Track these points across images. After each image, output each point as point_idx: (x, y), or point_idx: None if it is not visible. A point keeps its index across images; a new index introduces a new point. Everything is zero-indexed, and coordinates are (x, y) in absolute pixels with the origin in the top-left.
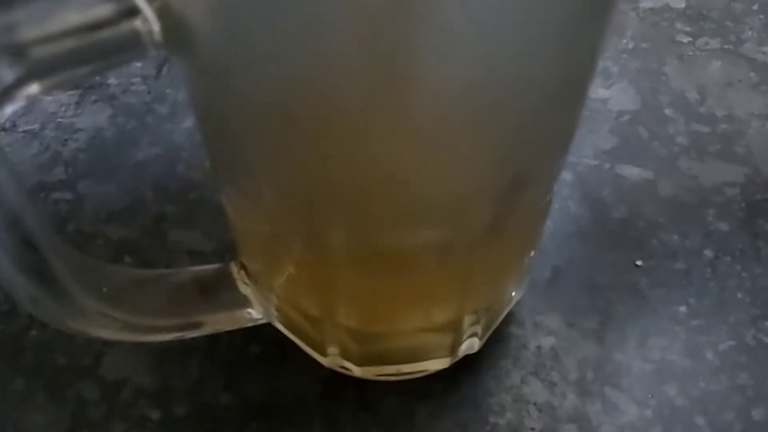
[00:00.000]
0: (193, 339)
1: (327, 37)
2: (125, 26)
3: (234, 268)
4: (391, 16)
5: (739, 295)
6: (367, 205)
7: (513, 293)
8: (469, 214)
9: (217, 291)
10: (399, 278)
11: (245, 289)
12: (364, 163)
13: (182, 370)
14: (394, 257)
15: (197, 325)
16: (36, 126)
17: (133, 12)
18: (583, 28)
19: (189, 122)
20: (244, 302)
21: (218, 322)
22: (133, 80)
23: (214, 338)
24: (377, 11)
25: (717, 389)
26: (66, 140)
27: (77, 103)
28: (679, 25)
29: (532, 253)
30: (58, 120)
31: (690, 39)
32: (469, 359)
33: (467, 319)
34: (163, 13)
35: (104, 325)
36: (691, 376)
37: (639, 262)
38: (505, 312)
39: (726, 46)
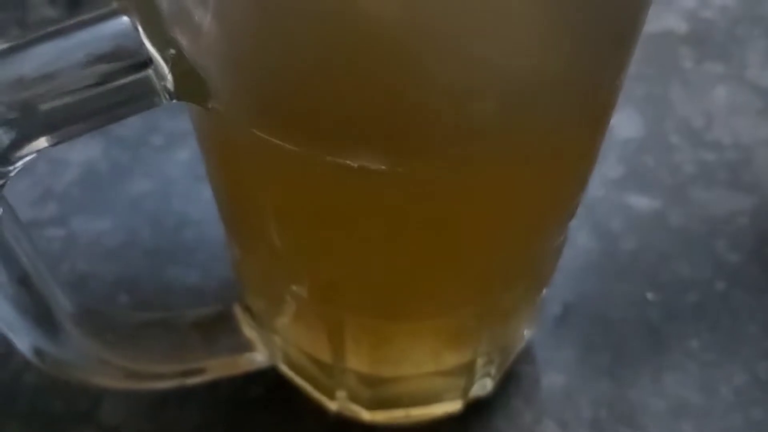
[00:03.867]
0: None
1: (342, 88)
2: (138, 77)
3: (237, 310)
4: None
5: (752, 329)
6: (385, 263)
7: (526, 331)
8: (487, 269)
9: (220, 335)
10: (412, 322)
11: (250, 332)
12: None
13: (182, 415)
14: (408, 302)
15: (200, 371)
16: None
17: (146, 63)
18: (605, 61)
19: (184, 154)
20: (248, 346)
21: (222, 367)
22: None
23: (215, 381)
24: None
25: (732, 426)
26: (59, 175)
27: None
28: (682, 50)
29: (545, 291)
30: (50, 153)
31: (693, 64)
32: (479, 399)
33: (480, 361)
34: (176, 63)
35: (106, 373)
36: (707, 413)
37: (650, 295)
38: (518, 350)
39: (730, 71)
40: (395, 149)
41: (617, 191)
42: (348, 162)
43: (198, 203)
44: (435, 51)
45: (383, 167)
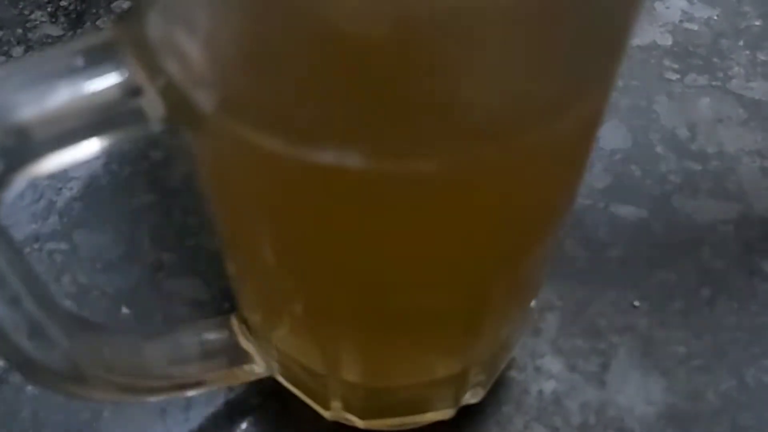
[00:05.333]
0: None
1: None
2: (129, 104)
3: (234, 322)
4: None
5: (738, 334)
6: (377, 280)
7: (516, 339)
8: (478, 280)
9: (218, 348)
10: (405, 335)
11: (247, 344)
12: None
13: (183, 424)
14: (400, 316)
15: (198, 384)
16: None
17: (137, 91)
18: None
19: (183, 169)
20: (245, 358)
21: (219, 379)
22: None
23: (213, 391)
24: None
25: (720, 431)
26: (60, 189)
27: None
28: (666, 62)
29: (535, 300)
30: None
31: (678, 76)
32: (471, 405)
33: (472, 370)
34: (166, 91)
35: (103, 388)
36: (694, 418)
37: (637, 303)
38: (509, 358)
39: (714, 83)
40: (388, 152)
41: (604, 200)
42: (344, 165)
43: (198, 215)
44: (421, 69)
45: (375, 171)
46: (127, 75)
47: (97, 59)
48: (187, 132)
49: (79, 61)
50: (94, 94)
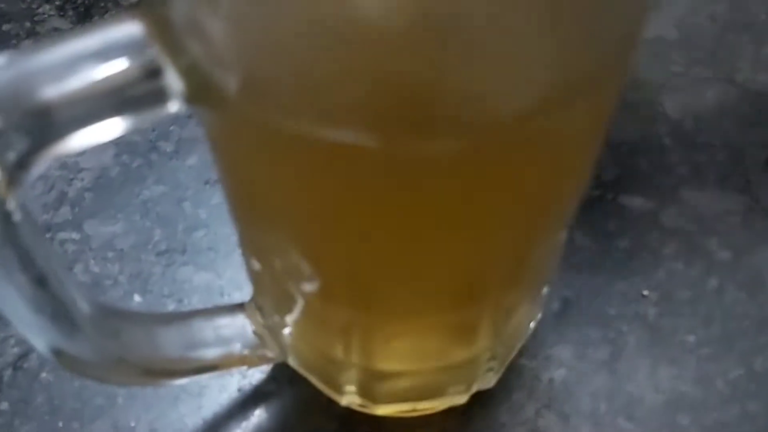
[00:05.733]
0: (207, 377)
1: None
2: (149, 85)
3: (249, 308)
4: None
5: (746, 323)
6: (394, 263)
7: (528, 326)
8: (492, 265)
9: (232, 333)
10: (419, 321)
11: (261, 329)
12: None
13: (196, 411)
14: (416, 300)
15: (213, 367)
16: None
17: (159, 71)
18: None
19: (193, 159)
20: (259, 343)
21: (233, 362)
22: None
23: (226, 377)
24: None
25: (729, 418)
26: (71, 180)
27: None
28: (673, 56)
29: (547, 287)
30: (63, 159)
31: (684, 69)
32: (482, 393)
33: (485, 356)
34: (189, 71)
35: (124, 371)
36: (703, 406)
37: (645, 292)
38: (520, 345)
39: (719, 76)
40: (409, 133)
41: (612, 192)
42: (362, 143)
43: (208, 206)
44: (442, 54)
45: (395, 153)
46: (148, 56)
47: (118, 40)
48: (206, 113)
49: (101, 42)
50: (115, 75)
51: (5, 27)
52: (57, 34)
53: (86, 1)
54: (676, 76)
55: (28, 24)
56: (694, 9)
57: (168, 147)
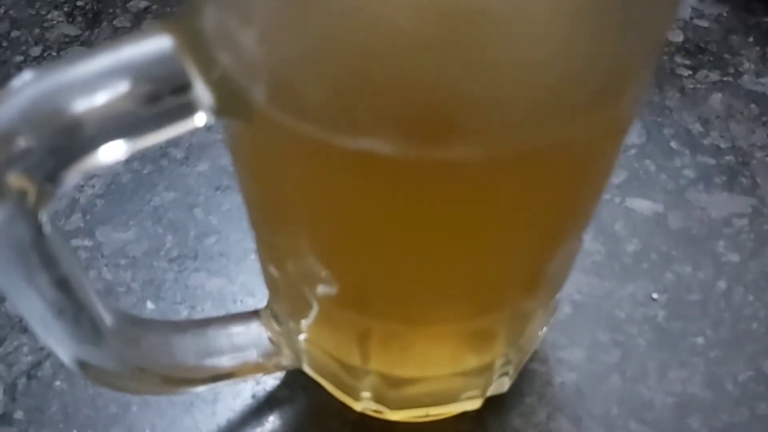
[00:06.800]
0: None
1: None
2: (178, 98)
3: (264, 315)
4: None
5: (754, 325)
6: (412, 270)
7: (540, 331)
8: (509, 272)
9: (247, 341)
10: (436, 328)
11: (276, 336)
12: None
13: (210, 418)
14: (433, 307)
15: (229, 375)
16: None
17: (189, 85)
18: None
19: (204, 166)
20: (274, 350)
21: (249, 370)
22: None
23: (240, 383)
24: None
25: (739, 420)
26: (83, 187)
27: None
28: (678, 59)
29: (560, 292)
30: None
31: (690, 72)
32: (495, 397)
33: (499, 361)
34: (220, 83)
35: (145, 380)
36: (713, 408)
37: (654, 295)
38: (534, 349)
39: (725, 78)
40: (438, 142)
41: (620, 195)
42: (394, 156)
43: (219, 212)
44: (468, 64)
45: (429, 162)
46: (177, 69)
47: (149, 52)
48: (233, 125)
49: (130, 56)
50: (144, 89)
51: (14, 33)
52: (65, 41)
53: (95, 8)
54: (683, 79)
55: (37, 30)
56: (699, 12)
57: (179, 153)
